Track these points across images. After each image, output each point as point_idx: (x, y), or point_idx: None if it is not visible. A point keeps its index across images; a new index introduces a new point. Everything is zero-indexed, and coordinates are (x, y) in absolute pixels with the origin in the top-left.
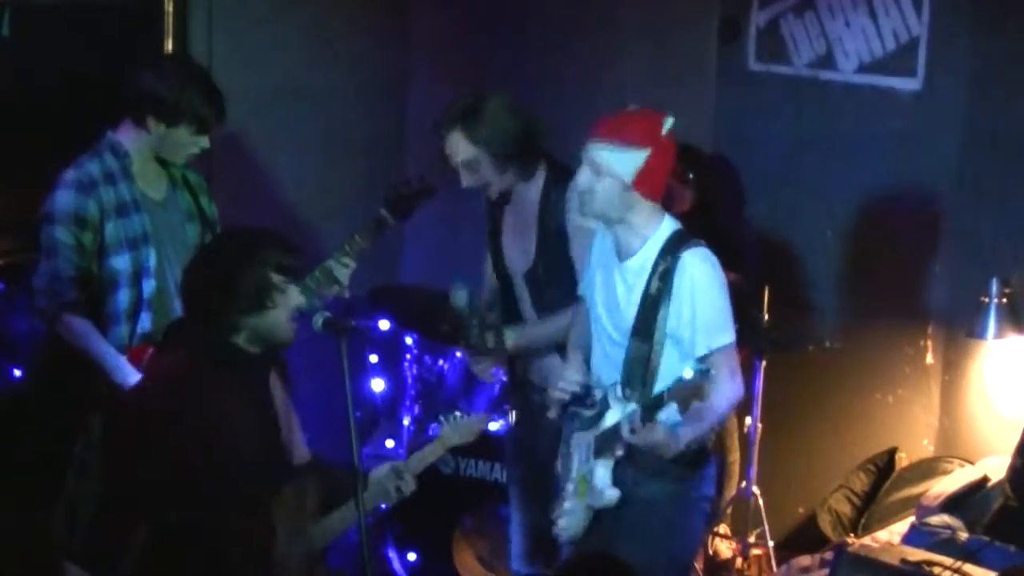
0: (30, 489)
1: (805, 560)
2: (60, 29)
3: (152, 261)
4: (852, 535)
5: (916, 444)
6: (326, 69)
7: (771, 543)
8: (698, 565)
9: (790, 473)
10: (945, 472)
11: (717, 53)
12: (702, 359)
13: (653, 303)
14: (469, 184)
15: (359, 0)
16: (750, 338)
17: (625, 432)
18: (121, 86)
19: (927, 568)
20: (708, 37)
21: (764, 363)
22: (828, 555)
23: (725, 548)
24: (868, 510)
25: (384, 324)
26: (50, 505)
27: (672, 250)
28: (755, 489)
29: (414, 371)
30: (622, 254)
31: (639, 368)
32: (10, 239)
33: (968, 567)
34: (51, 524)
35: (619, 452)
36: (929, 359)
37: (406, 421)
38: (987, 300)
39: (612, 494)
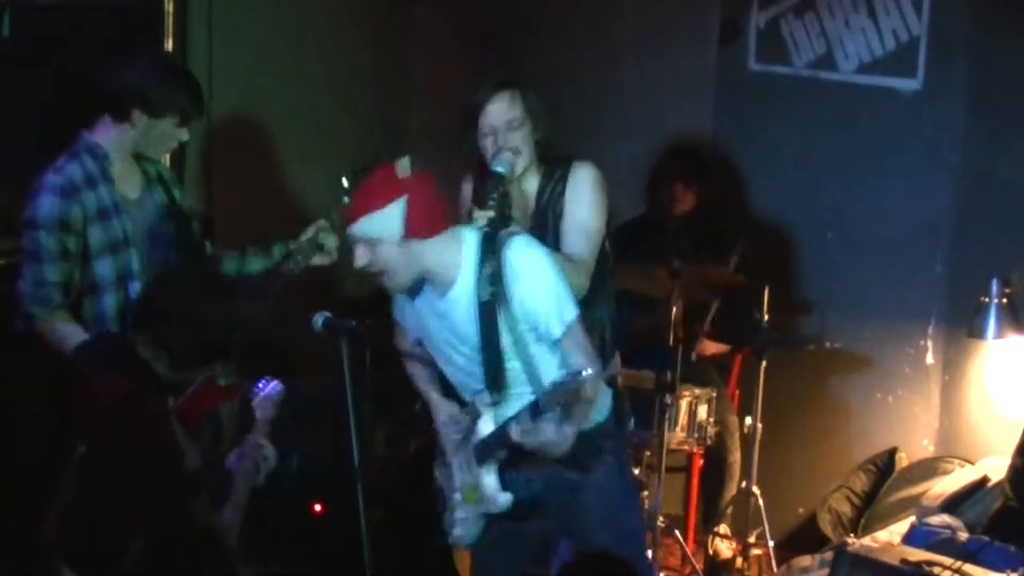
0: (27, 491)
1: (805, 560)
2: (60, 29)
3: (135, 264)
4: (852, 535)
5: (916, 444)
6: (326, 68)
7: (771, 543)
8: (698, 565)
9: (790, 473)
10: (945, 472)
11: (717, 53)
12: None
13: (489, 309)
14: (505, 145)
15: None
16: (750, 338)
17: (516, 435)
18: (97, 85)
19: (927, 568)
20: (708, 37)
21: (764, 363)
22: (828, 555)
23: (725, 548)
24: (868, 510)
25: None
26: (46, 507)
27: (489, 254)
28: (755, 489)
29: None
30: (442, 290)
31: (496, 372)
32: (12, 239)
33: (968, 567)
34: (46, 527)
35: (501, 456)
36: (929, 359)
37: None
38: (987, 300)
39: (505, 499)
